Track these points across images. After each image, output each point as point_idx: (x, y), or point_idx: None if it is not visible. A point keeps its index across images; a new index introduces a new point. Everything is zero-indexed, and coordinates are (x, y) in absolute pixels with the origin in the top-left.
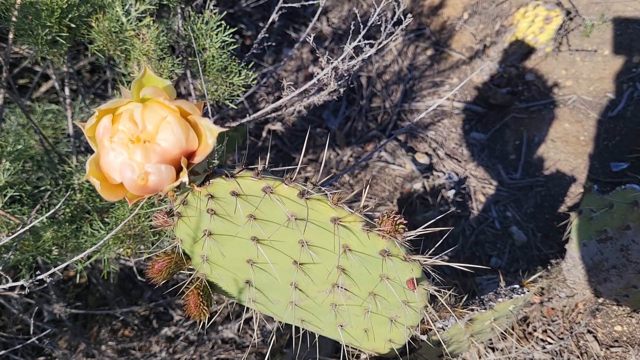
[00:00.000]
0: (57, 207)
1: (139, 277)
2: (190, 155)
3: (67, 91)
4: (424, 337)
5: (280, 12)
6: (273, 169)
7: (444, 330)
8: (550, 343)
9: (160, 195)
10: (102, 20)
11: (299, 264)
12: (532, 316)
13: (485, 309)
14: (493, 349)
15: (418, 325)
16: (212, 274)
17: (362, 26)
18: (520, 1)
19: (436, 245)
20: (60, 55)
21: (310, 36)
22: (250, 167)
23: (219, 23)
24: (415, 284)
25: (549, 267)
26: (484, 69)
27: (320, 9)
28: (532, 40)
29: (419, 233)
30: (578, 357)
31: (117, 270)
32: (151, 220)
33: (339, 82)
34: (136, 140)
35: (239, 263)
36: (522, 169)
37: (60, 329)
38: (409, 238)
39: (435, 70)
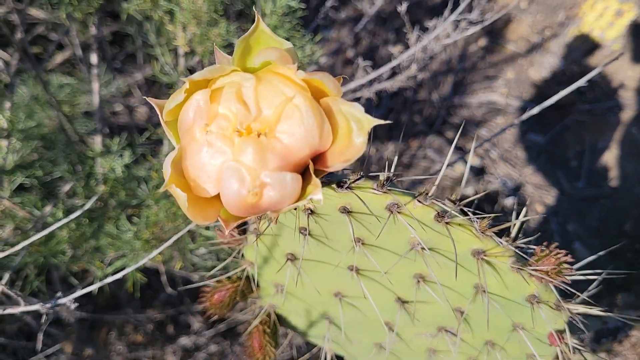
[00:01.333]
0: (78, 212)
1: (168, 291)
2: (316, 158)
3: (94, 59)
4: None
5: None
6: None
7: None
8: None
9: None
10: None
11: (404, 302)
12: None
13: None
14: None
15: None
16: (283, 305)
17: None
18: None
19: None
20: (90, 14)
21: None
22: (369, 173)
23: None
24: (560, 339)
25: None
26: (543, 64)
27: None
28: (598, 35)
29: (586, 276)
30: None
31: (144, 281)
32: (189, 222)
33: (419, 67)
34: (247, 131)
35: (323, 295)
36: (585, 178)
37: (66, 332)
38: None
39: (488, 63)
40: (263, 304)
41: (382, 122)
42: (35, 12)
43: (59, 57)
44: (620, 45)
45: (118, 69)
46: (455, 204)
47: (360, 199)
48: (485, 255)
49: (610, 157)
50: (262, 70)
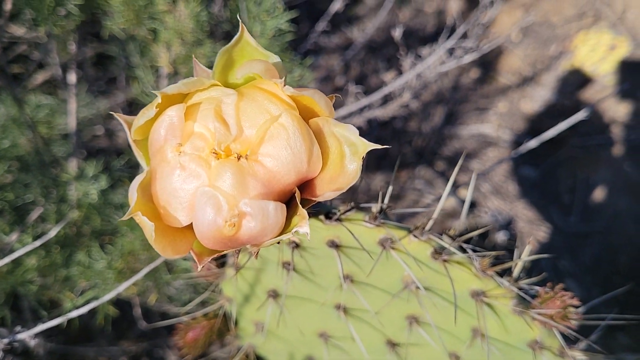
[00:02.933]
0: (49, 234)
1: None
2: (304, 186)
3: (72, 78)
4: None
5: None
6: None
7: None
8: None
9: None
10: None
11: (395, 344)
12: None
13: None
14: None
15: None
16: (264, 346)
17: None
18: (578, 26)
19: None
20: (69, 32)
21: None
22: (359, 204)
23: (275, 6)
24: None
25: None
26: (535, 97)
27: None
28: (591, 69)
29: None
30: None
31: (116, 314)
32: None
33: (413, 95)
34: (225, 153)
35: (307, 335)
36: (577, 214)
37: None
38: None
39: (480, 95)
40: (242, 344)
41: (378, 146)
42: (16, 29)
43: (40, 77)
44: (613, 80)
45: (102, 92)
46: (454, 239)
47: (351, 233)
48: (485, 297)
49: (602, 193)
50: (246, 86)
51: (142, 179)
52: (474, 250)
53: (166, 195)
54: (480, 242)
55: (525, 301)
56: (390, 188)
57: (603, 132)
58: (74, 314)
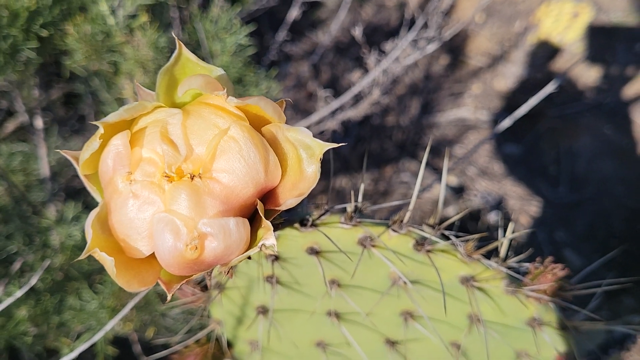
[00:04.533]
0: (30, 282)
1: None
2: (266, 196)
3: (39, 123)
4: None
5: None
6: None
7: None
8: None
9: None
10: (83, 24)
11: (394, 342)
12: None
13: None
14: None
15: None
16: None
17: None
18: (539, 0)
19: None
20: (29, 76)
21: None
22: (336, 206)
23: (231, 23)
24: None
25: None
26: (507, 74)
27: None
28: (557, 39)
29: (589, 291)
30: None
31: (116, 354)
32: (157, 285)
33: (383, 91)
34: (177, 175)
35: (305, 347)
36: (565, 184)
37: None
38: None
39: (452, 80)
40: None
41: (334, 145)
42: None
43: (11, 125)
44: (581, 47)
45: (75, 130)
46: (434, 228)
47: (327, 236)
48: (475, 281)
49: (586, 160)
50: (192, 103)
51: (97, 213)
52: (457, 236)
53: (123, 227)
54: (473, 225)
55: (517, 280)
56: (363, 186)
57: (579, 99)
58: (72, 355)
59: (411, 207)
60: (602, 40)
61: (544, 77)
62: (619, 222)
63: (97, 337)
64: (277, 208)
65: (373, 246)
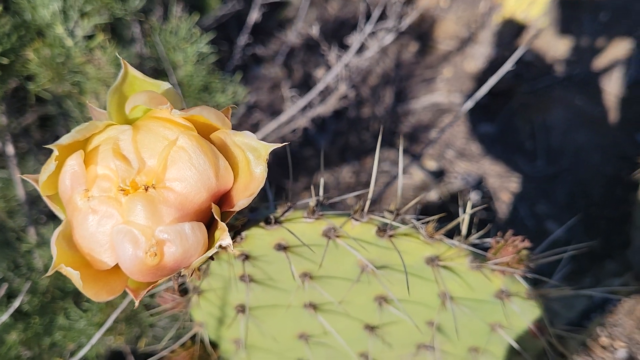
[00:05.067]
0: (15, 304)
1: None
2: (221, 199)
3: (10, 150)
4: None
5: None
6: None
7: None
8: (616, 348)
9: (179, 275)
10: (42, 48)
11: (373, 327)
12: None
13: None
14: None
15: None
16: None
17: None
18: None
19: None
20: None
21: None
22: (297, 202)
23: (191, 32)
24: (542, 330)
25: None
26: (476, 56)
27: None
28: (522, 16)
29: (552, 258)
30: None
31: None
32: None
33: (349, 85)
34: (132, 187)
35: (287, 340)
36: (542, 157)
37: None
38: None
39: (423, 66)
40: None
41: (279, 145)
42: None
43: None
44: (545, 21)
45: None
46: (394, 213)
47: (290, 232)
48: (440, 261)
49: (561, 132)
50: (141, 118)
51: (61, 230)
52: (418, 219)
53: (86, 241)
54: (454, 206)
55: (480, 256)
56: (323, 180)
57: (548, 73)
58: None
59: (370, 196)
60: (567, 13)
61: (512, 55)
62: (597, 189)
63: (84, 351)
64: (231, 209)
65: (337, 237)
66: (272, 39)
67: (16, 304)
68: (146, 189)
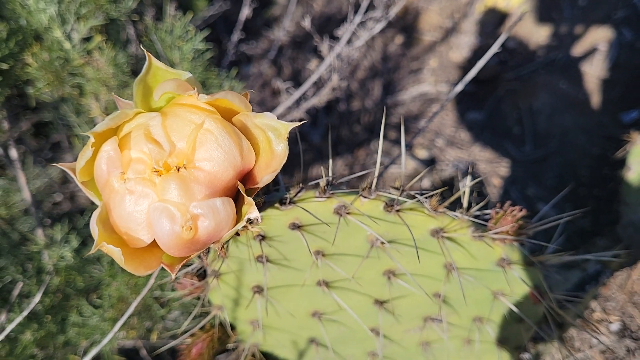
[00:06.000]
0: (34, 301)
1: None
2: (245, 178)
3: (14, 153)
4: (527, 355)
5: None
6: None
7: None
8: (611, 322)
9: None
10: (40, 52)
11: (382, 302)
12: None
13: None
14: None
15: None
16: (266, 341)
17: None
18: None
19: None
20: None
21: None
22: (309, 184)
23: (186, 30)
24: (542, 296)
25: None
26: (461, 45)
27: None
28: (503, 5)
29: (546, 225)
30: None
31: None
32: (154, 290)
33: (341, 76)
34: (165, 168)
35: (302, 319)
36: (530, 141)
37: None
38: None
39: (410, 58)
40: (245, 346)
41: (298, 124)
42: None
43: None
44: (527, 8)
45: (49, 159)
46: (399, 190)
47: (306, 210)
48: (444, 232)
49: (547, 116)
50: (167, 106)
51: (99, 213)
52: (422, 194)
53: (124, 221)
54: (448, 193)
55: (482, 226)
56: (331, 162)
57: (532, 59)
58: None
59: (376, 173)
60: (547, 0)
61: (497, 41)
62: (585, 169)
63: (101, 345)
64: (255, 186)
65: (348, 213)
66: (261, 37)
67: (35, 300)
68: (178, 170)
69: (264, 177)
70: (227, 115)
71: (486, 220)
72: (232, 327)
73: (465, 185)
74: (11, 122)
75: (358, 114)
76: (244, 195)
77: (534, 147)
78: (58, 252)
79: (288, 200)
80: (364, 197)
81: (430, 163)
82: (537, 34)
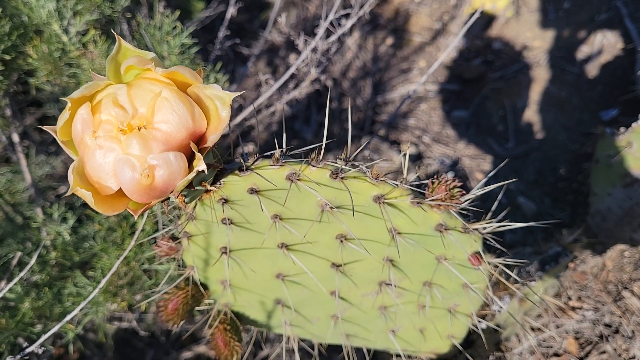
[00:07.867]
0: (28, 266)
1: (141, 334)
2: (199, 140)
3: (16, 137)
4: (484, 324)
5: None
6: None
7: (500, 312)
8: (587, 310)
9: (169, 200)
10: (40, 44)
11: (338, 265)
12: (565, 286)
13: (534, 280)
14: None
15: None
16: (236, 301)
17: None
18: None
19: None
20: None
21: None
22: (265, 154)
23: (173, 26)
24: (481, 259)
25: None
26: (450, 46)
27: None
28: (490, 7)
29: (479, 193)
30: (620, 316)
31: (114, 330)
32: (143, 263)
33: (319, 70)
34: (128, 128)
35: (267, 281)
36: (513, 138)
37: None
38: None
39: (400, 58)
40: (217, 305)
41: (238, 94)
42: None
43: None
44: (512, 11)
45: (53, 153)
46: (344, 160)
47: (261, 176)
48: (385, 199)
49: (530, 114)
50: (133, 79)
51: (75, 165)
52: (366, 167)
53: (95, 172)
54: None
55: (421, 195)
56: (285, 136)
57: (517, 59)
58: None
59: (323, 144)
60: (532, 2)
61: (483, 44)
62: (565, 165)
63: (85, 302)
64: (205, 146)
65: (298, 179)
66: (256, 40)
67: (28, 266)
68: (139, 130)
69: (211, 137)
70: (183, 88)
71: (424, 189)
72: (205, 287)
73: (405, 156)
74: (14, 118)
75: (348, 113)
76: (196, 152)
77: (516, 144)
78: (55, 229)
79: (245, 168)
80: (313, 165)
81: (418, 158)
82: (523, 36)
